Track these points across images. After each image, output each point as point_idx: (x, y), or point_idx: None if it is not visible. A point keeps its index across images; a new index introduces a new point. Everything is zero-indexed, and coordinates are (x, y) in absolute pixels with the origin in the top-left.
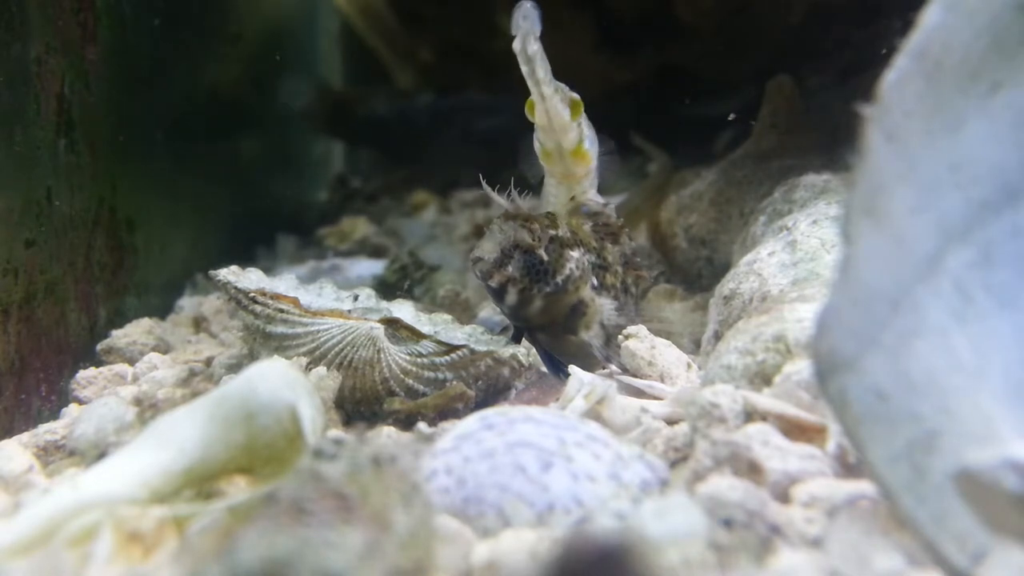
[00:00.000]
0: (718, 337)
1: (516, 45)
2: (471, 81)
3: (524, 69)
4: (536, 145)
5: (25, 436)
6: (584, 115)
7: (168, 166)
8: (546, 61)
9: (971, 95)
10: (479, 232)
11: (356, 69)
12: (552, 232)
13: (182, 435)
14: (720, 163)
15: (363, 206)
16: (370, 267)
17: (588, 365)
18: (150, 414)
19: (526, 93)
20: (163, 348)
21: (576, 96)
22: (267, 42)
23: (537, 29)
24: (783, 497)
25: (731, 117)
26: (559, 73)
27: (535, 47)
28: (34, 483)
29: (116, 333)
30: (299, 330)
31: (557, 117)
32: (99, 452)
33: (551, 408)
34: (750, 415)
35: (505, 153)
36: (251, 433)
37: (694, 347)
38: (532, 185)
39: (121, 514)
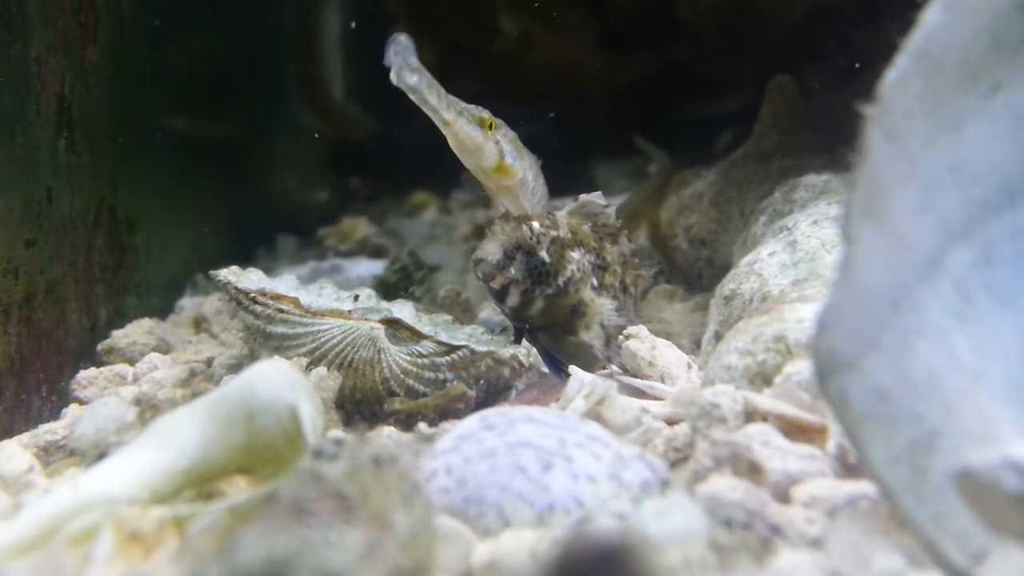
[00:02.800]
0: (718, 337)
1: (393, 79)
2: (471, 82)
3: (414, 100)
4: None
5: (25, 436)
6: (504, 128)
7: (168, 166)
8: (436, 87)
9: (971, 95)
10: (480, 232)
11: (356, 69)
12: (553, 233)
13: (182, 435)
14: (720, 163)
15: (363, 206)
16: (370, 267)
17: (588, 365)
18: (150, 414)
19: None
20: (163, 348)
21: (487, 114)
22: (267, 41)
23: (412, 60)
24: (783, 497)
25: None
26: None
27: (414, 79)
28: (34, 483)
29: (116, 333)
30: (299, 330)
31: (468, 139)
32: (99, 452)
33: (551, 408)
34: (750, 415)
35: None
36: (251, 433)
37: (694, 347)
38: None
39: (121, 514)
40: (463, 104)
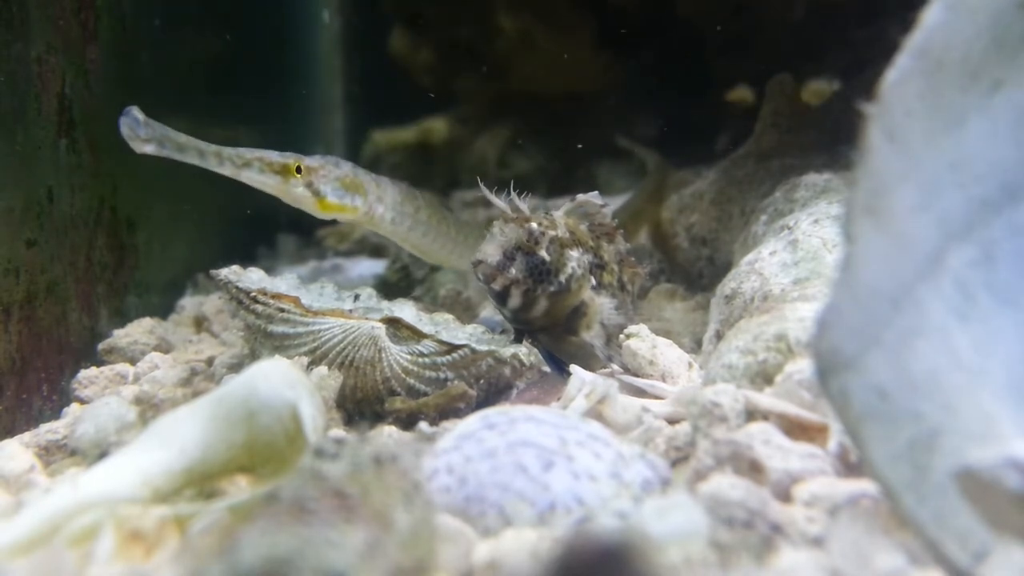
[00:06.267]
0: (719, 336)
1: (137, 150)
2: (470, 82)
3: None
4: None
5: (26, 436)
6: (330, 165)
7: (168, 166)
8: (194, 146)
9: (972, 94)
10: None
11: (357, 69)
12: (552, 233)
13: (183, 434)
14: (721, 162)
15: None
16: (371, 267)
17: (589, 364)
18: (151, 414)
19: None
20: (164, 348)
21: (286, 160)
22: (267, 41)
23: (141, 131)
24: (784, 496)
25: None
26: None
27: (148, 148)
28: (35, 483)
29: (117, 333)
30: (300, 329)
31: (261, 188)
32: (100, 452)
33: (552, 407)
34: (751, 414)
35: None
36: (252, 432)
37: (695, 346)
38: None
39: (122, 513)
40: (257, 153)
